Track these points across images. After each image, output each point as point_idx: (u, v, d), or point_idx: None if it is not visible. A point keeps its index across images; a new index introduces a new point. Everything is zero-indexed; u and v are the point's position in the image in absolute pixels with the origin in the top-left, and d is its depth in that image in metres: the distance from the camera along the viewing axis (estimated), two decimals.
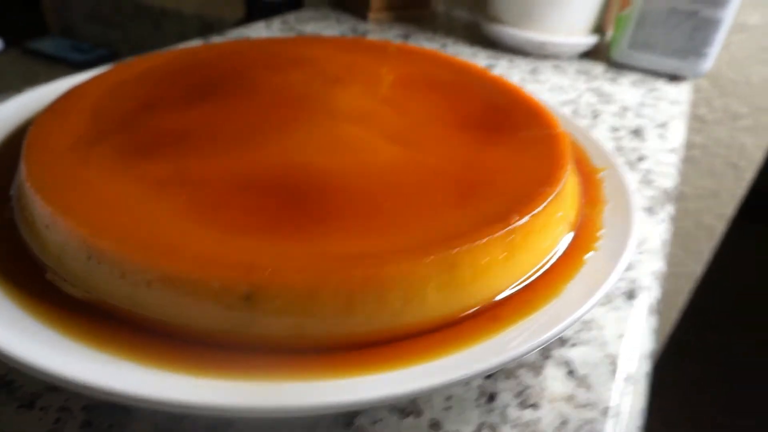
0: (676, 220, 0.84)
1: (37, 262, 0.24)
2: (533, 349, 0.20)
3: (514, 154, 0.30)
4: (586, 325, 0.27)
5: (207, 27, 1.02)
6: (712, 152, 0.76)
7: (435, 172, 0.27)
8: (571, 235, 0.27)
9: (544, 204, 0.25)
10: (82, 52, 1.10)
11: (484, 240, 0.22)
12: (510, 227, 0.23)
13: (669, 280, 0.91)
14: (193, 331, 0.21)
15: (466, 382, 0.19)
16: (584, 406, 0.23)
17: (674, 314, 0.93)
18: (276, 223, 0.23)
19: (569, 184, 0.28)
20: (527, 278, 0.24)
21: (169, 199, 0.24)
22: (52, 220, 0.23)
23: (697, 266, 0.88)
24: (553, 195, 0.26)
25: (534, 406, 0.23)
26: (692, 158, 0.78)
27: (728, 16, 0.53)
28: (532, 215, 0.24)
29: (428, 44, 0.65)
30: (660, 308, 0.30)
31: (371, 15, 0.71)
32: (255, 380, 0.19)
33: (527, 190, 0.26)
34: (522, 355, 0.20)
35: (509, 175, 0.28)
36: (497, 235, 0.23)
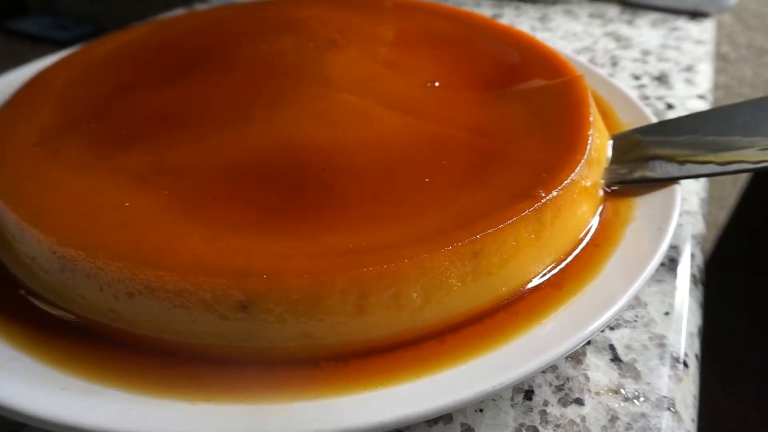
0: None
1: (9, 277, 0.21)
2: (576, 346, 0.18)
3: (530, 114, 0.26)
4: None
5: None
6: (736, 92, 0.72)
7: (446, 142, 0.24)
8: (602, 205, 0.24)
9: (574, 173, 0.22)
10: (65, 30, 1.05)
11: (511, 221, 0.19)
12: (539, 204, 0.20)
13: None
14: (185, 348, 0.18)
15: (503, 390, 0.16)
16: (634, 398, 0.20)
17: None
18: (271, 216, 0.20)
19: (597, 145, 0.25)
20: (561, 260, 0.21)
21: (149, 194, 0.21)
22: (18, 228, 0.20)
23: (720, 212, 0.85)
24: (582, 161, 0.23)
25: (577, 401, 0.20)
26: (716, 100, 0.73)
27: None
28: (562, 188, 0.21)
29: None
30: (704, 278, 0.27)
31: None
32: (260, 402, 0.17)
33: (552, 158, 0.23)
34: (564, 355, 0.17)
35: (528, 139, 0.24)
36: (525, 213, 0.20)
